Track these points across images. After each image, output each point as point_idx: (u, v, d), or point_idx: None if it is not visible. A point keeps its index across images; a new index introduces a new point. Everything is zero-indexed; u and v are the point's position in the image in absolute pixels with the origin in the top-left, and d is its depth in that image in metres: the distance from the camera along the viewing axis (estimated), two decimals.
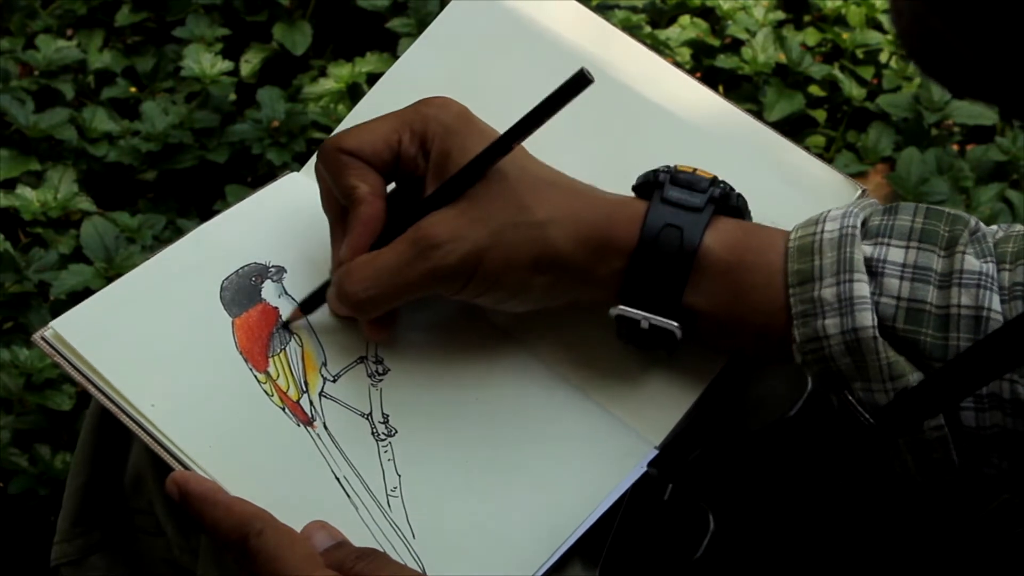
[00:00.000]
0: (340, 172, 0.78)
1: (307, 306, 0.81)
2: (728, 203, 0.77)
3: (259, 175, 1.76)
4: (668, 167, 0.78)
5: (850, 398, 0.73)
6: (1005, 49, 0.48)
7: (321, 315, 0.82)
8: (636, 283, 0.76)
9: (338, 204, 0.80)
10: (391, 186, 0.80)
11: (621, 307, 0.77)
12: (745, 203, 0.79)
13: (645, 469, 0.77)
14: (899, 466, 0.73)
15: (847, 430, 0.72)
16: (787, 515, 0.76)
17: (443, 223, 0.76)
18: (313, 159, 0.81)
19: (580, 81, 0.73)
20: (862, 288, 0.73)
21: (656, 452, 0.78)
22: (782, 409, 0.72)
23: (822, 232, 0.75)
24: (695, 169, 0.78)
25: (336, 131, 0.82)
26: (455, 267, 0.76)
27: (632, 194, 0.79)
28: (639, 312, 0.76)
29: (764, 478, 0.73)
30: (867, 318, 0.72)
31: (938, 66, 0.52)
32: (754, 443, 0.73)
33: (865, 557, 0.77)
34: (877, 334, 0.72)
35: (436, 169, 0.77)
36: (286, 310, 0.82)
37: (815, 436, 0.72)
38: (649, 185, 0.78)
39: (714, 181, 0.77)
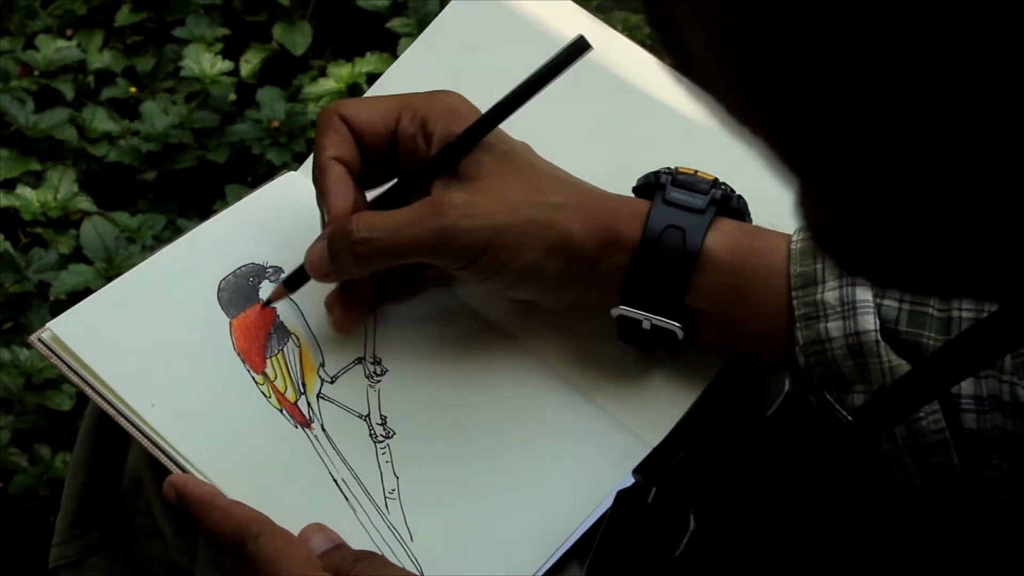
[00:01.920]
0: (323, 130, 0.78)
1: (292, 283, 0.80)
2: (729, 205, 0.77)
3: (259, 175, 1.75)
4: (669, 168, 0.78)
5: (828, 397, 0.73)
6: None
7: (319, 316, 0.81)
8: (638, 283, 0.76)
9: None
10: (390, 187, 0.80)
11: (623, 308, 0.76)
12: (746, 205, 0.79)
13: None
14: (899, 469, 0.73)
15: (825, 429, 0.72)
16: (765, 513, 0.76)
17: (462, 195, 0.75)
18: (311, 158, 0.81)
19: (579, 47, 0.73)
20: (864, 292, 0.72)
21: None
22: (760, 410, 0.72)
23: None
24: (696, 171, 0.77)
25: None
26: (470, 231, 0.74)
27: (632, 195, 0.79)
28: (641, 312, 0.76)
29: (742, 478, 0.72)
30: (869, 322, 0.72)
31: (860, 260, 0.40)
32: (732, 443, 0.73)
33: (859, 556, 0.77)
34: (879, 337, 0.72)
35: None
36: (284, 311, 0.82)
37: (793, 435, 0.72)
38: (650, 186, 0.78)
39: (715, 183, 0.77)
